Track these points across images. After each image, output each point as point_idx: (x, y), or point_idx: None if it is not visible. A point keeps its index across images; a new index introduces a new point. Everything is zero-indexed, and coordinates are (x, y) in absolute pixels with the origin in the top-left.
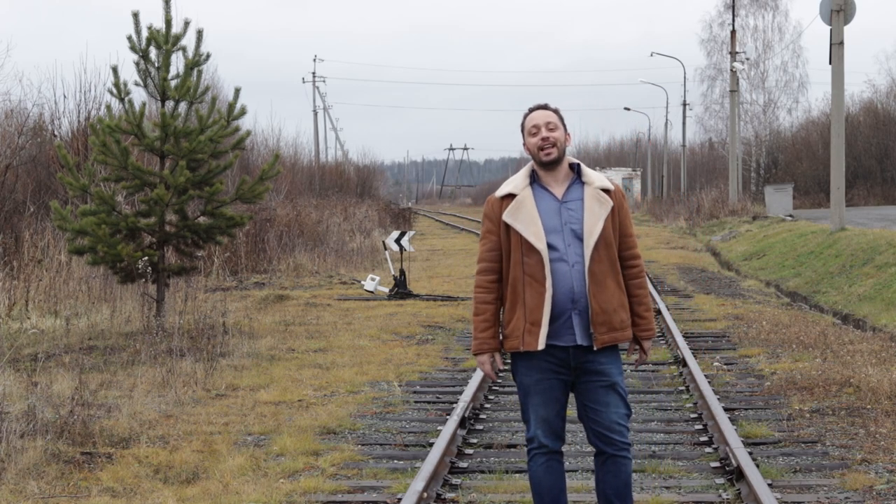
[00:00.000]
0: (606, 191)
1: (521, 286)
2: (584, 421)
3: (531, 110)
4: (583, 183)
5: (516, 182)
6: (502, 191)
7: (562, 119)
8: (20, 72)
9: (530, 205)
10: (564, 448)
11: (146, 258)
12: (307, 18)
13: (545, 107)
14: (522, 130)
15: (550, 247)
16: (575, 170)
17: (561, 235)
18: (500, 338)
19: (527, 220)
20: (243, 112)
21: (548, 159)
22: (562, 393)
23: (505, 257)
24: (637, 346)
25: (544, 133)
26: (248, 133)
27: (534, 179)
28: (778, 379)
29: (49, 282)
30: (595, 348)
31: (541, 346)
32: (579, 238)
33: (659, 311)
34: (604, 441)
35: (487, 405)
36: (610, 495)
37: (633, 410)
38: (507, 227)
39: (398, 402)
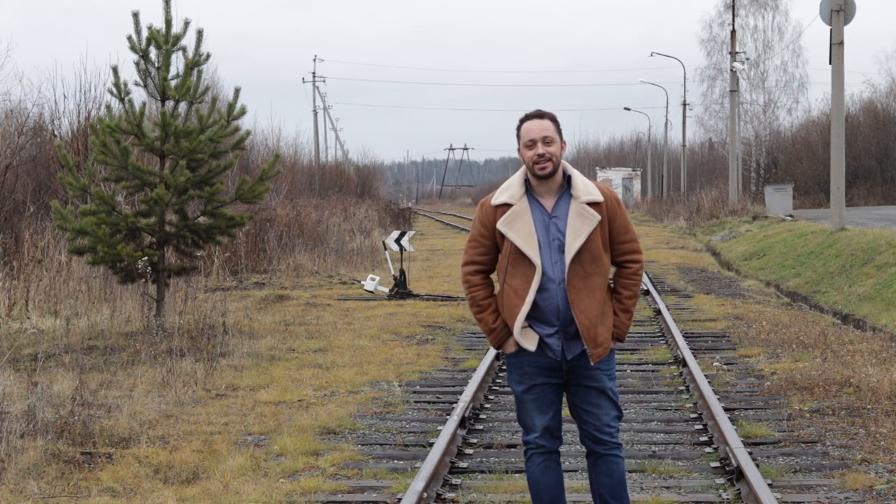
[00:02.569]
0: (594, 203)
1: (501, 294)
2: (576, 421)
3: (528, 118)
4: (571, 196)
5: (512, 191)
6: (498, 199)
7: (558, 127)
8: (20, 72)
9: (527, 217)
10: (563, 448)
11: (146, 258)
12: (308, 19)
13: (541, 115)
14: (518, 138)
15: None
16: (566, 180)
17: (549, 252)
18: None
19: (524, 232)
20: (243, 112)
21: (542, 174)
22: (555, 397)
23: (498, 264)
24: None
25: (540, 149)
26: (248, 133)
27: (527, 188)
28: (778, 379)
29: (49, 282)
30: (592, 363)
31: (510, 348)
32: (563, 253)
33: (659, 311)
34: (594, 441)
35: (487, 405)
36: (605, 495)
37: (624, 412)
38: (502, 235)
39: (398, 402)
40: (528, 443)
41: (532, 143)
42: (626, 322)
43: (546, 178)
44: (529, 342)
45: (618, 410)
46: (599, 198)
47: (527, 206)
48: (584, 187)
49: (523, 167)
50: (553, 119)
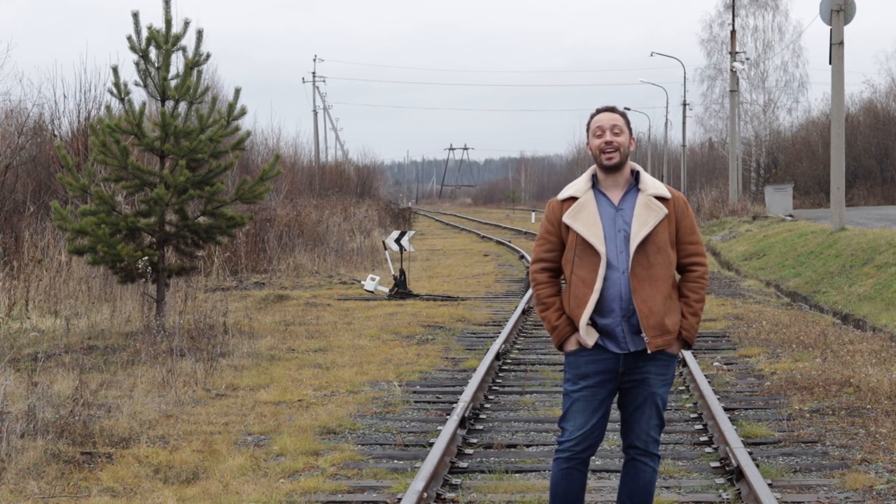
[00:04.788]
0: (662, 198)
1: (569, 286)
2: (621, 420)
3: (598, 111)
4: (639, 190)
5: (578, 186)
6: (564, 194)
7: (628, 123)
8: (20, 72)
9: (592, 208)
10: (593, 453)
11: (146, 258)
12: (309, 20)
13: (612, 109)
14: (587, 131)
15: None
16: (634, 176)
17: (614, 242)
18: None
19: (588, 221)
20: (243, 112)
21: (609, 163)
22: (604, 402)
23: (564, 258)
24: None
25: (608, 137)
26: (248, 133)
27: (594, 183)
28: (778, 379)
29: (49, 282)
30: (649, 351)
31: (571, 346)
32: (629, 243)
33: None
34: (629, 445)
35: (487, 405)
36: (625, 498)
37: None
38: (568, 228)
39: (398, 402)
40: (561, 443)
41: (601, 132)
42: (695, 325)
43: (612, 168)
44: (590, 338)
45: (659, 420)
46: (667, 194)
47: (592, 198)
48: (653, 183)
49: (592, 166)
50: (623, 115)
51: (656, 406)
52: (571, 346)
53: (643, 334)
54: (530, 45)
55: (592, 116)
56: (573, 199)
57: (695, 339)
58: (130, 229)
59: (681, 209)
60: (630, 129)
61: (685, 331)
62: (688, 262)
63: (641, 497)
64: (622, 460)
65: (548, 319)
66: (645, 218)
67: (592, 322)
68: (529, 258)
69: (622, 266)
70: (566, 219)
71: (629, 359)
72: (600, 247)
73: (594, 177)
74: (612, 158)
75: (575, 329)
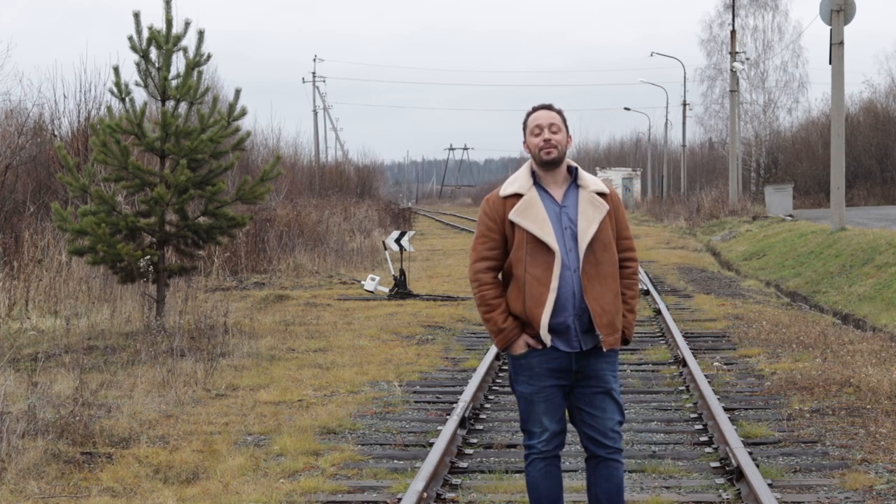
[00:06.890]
0: (602, 194)
1: (521, 286)
2: (578, 424)
3: (535, 109)
4: (578, 186)
5: (521, 182)
6: (506, 190)
7: (565, 121)
8: (20, 72)
9: (539, 205)
10: (563, 449)
11: (146, 258)
12: (311, 21)
13: (549, 107)
14: (524, 129)
15: None
16: (572, 173)
17: (563, 240)
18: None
19: (538, 219)
20: (244, 113)
21: (548, 158)
22: (562, 400)
23: (511, 256)
24: None
25: (546, 135)
26: (249, 134)
27: (535, 181)
28: (778, 379)
29: (49, 282)
30: (605, 350)
31: (520, 350)
32: (577, 242)
33: (659, 311)
34: (596, 445)
35: (487, 405)
36: (603, 500)
37: (626, 415)
38: (513, 225)
39: (398, 402)
40: (530, 447)
41: (539, 130)
42: (632, 322)
43: (551, 164)
44: (548, 337)
45: (621, 415)
46: (606, 190)
47: (537, 195)
48: (593, 180)
49: (528, 162)
50: (560, 112)
51: (615, 401)
52: (520, 349)
53: (597, 332)
54: (530, 45)
55: (529, 114)
56: (517, 195)
57: (632, 335)
58: (130, 229)
59: (616, 205)
60: (567, 127)
61: (625, 329)
62: (623, 256)
63: (618, 495)
64: (586, 464)
65: (494, 321)
66: (591, 215)
67: None
68: None
69: (573, 264)
70: (513, 216)
71: (580, 357)
72: (554, 244)
73: (534, 174)
74: (551, 154)
75: (522, 331)
